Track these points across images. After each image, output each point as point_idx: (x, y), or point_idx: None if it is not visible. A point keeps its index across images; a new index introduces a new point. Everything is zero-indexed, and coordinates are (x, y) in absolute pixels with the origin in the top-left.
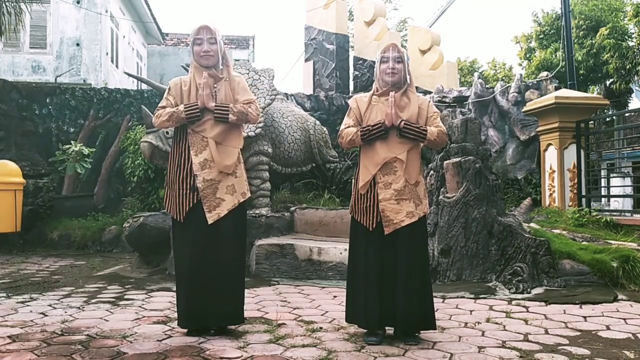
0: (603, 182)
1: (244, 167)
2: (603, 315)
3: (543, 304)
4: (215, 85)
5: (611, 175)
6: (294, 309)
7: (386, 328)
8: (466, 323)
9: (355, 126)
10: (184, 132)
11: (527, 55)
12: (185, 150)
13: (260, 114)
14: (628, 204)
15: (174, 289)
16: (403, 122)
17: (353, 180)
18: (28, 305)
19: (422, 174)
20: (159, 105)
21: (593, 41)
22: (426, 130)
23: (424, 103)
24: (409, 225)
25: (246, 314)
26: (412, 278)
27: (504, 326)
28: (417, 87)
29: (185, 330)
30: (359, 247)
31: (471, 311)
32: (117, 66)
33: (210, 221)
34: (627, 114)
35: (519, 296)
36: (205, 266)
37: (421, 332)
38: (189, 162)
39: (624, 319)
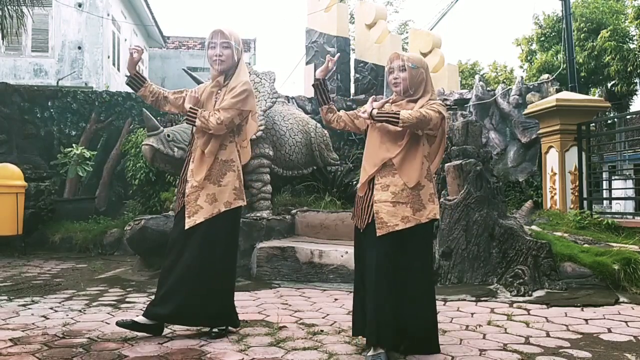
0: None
1: (236, 175)
2: (604, 318)
3: (544, 306)
4: (219, 91)
5: (613, 177)
6: (295, 311)
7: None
8: (467, 326)
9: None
10: (193, 137)
11: (528, 58)
12: (190, 155)
13: (227, 125)
14: (630, 206)
15: None
16: (375, 110)
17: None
18: (29, 308)
19: (428, 178)
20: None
21: (594, 43)
22: (398, 114)
23: (426, 104)
24: (408, 231)
25: (247, 317)
26: (411, 286)
27: (505, 329)
28: None
29: (187, 333)
30: (355, 250)
31: (472, 314)
32: (118, 69)
33: (186, 226)
34: (628, 117)
35: (520, 299)
36: (176, 267)
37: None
38: (187, 167)
39: (626, 322)
